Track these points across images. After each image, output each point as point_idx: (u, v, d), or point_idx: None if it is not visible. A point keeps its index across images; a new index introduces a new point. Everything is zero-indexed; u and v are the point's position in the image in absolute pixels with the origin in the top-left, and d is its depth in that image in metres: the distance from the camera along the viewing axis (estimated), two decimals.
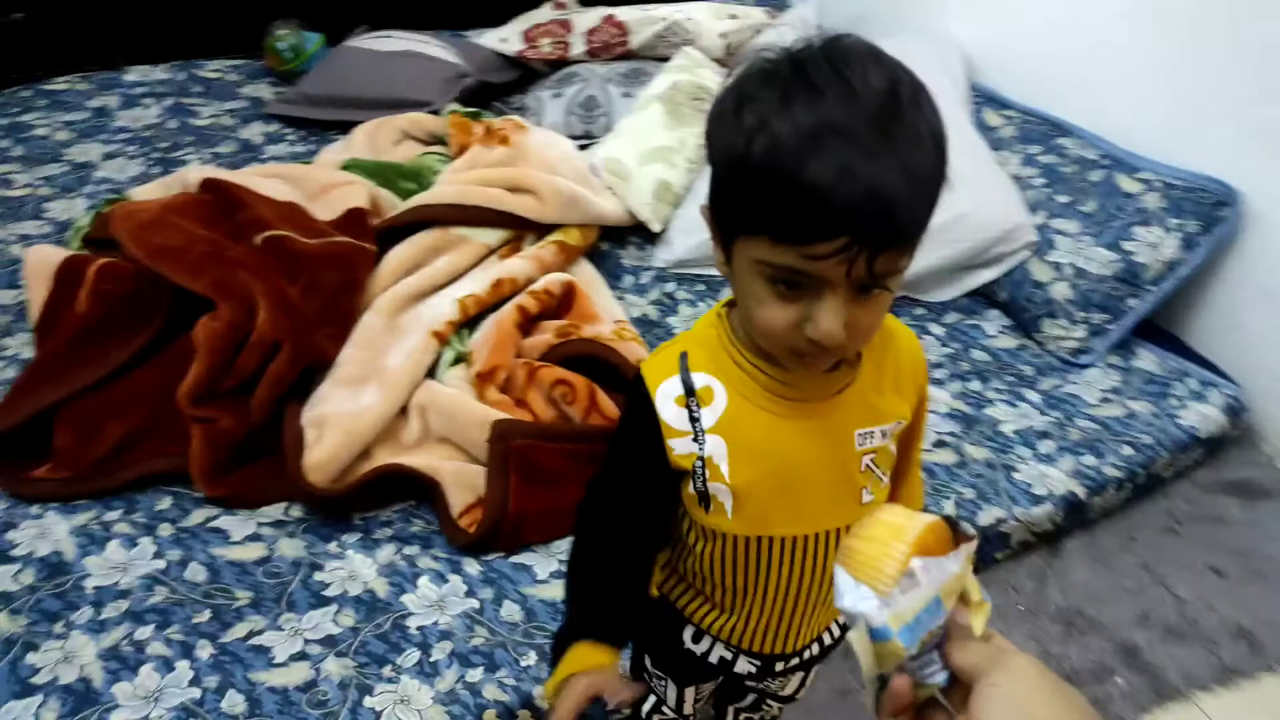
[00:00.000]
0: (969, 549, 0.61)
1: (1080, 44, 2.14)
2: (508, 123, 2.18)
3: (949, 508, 1.60)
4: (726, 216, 0.74)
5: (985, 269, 2.07)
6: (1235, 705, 1.53)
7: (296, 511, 1.51)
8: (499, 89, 2.68)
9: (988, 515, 1.60)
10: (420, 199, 1.99)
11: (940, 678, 0.59)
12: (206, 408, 1.55)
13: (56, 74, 2.61)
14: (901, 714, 0.60)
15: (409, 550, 1.45)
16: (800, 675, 1.11)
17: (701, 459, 0.81)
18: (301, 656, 1.29)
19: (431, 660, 1.30)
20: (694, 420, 0.81)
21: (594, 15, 2.66)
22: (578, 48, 2.61)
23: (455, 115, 2.31)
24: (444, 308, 1.77)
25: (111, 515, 1.47)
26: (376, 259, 1.85)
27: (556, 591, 1.40)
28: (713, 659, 0.99)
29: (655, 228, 2.14)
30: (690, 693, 1.09)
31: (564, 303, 1.85)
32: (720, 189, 0.74)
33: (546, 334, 1.75)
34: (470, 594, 1.40)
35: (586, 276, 1.98)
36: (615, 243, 2.15)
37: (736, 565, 0.88)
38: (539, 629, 1.35)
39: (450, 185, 2.01)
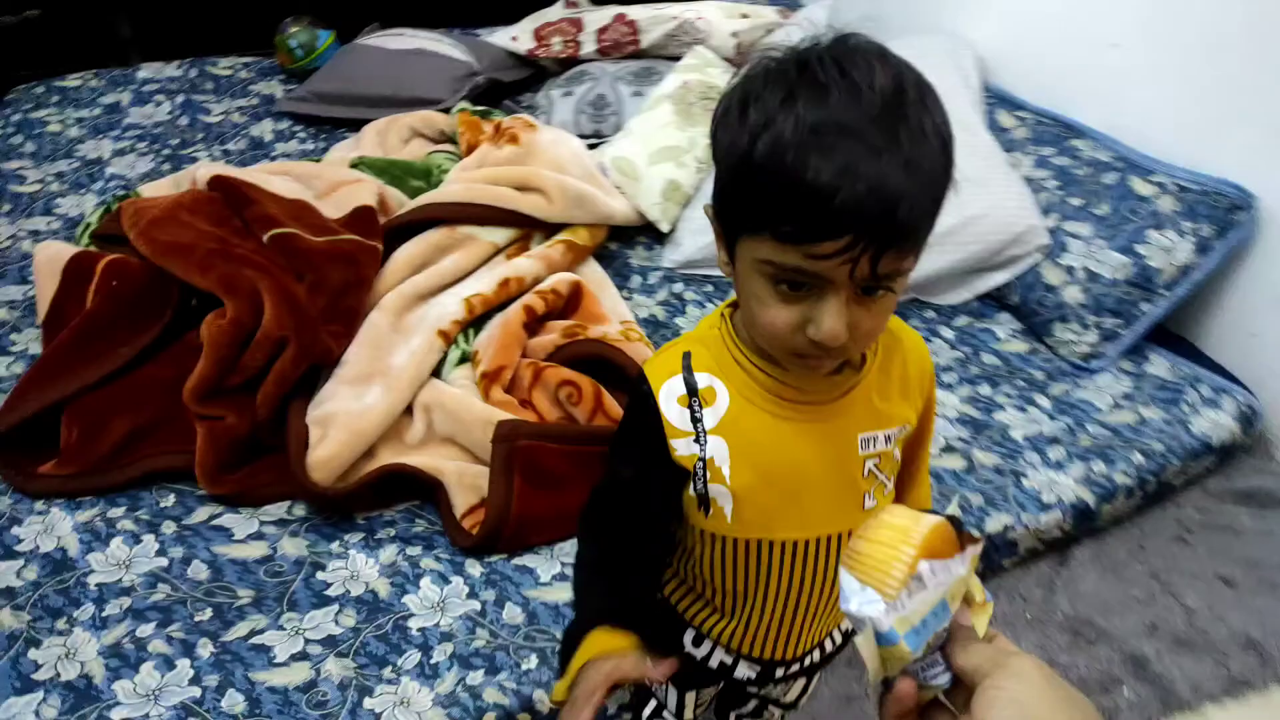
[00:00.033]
0: (975, 551, 0.61)
1: (1095, 45, 2.11)
2: (517, 121, 2.17)
3: (952, 507, 1.58)
4: (730, 215, 0.74)
5: (997, 272, 2.05)
6: (1244, 717, 1.51)
7: (300, 510, 1.51)
8: (510, 87, 2.67)
9: (996, 522, 1.58)
10: (428, 197, 1.98)
11: (943, 679, 0.59)
12: (212, 405, 1.55)
13: (71, 71, 2.62)
14: (905, 717, 0.60)
15: (411, 551, 1.45)
16: (802, 682, 1.10)
17: (703, 460, 0.81)
18: (302, 656, 1.29)
19: (432, 662, 1.29)
20: (696, 421, 0.80)
21: (605, 14, 2.65)
22: (589, 46, 2.61)
23: (465, 113, 2.31)
24: (450, 307, 1.76)
25: (116, 512, 1.47)
26: (384, 257, 1.85)
27: (559, 594, 1.40)
28: (713, 663, 0.98)
29: (664, 228, 2.13)
30: (691, 697, 1.08)
31: (571, 303, 1.84)
32: (724, 187, 0.74)
33: (553, 334, 1.74)
34: (472, 595, 1.39)
35: (594, 276, 1.97)
36: (624, 243, 2.15)
37: (736, 569, 0.87)
38: (541, 632, 1.35)
39: (458, 184, 2.00)
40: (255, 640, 1.30)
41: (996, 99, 2.28)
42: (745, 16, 2.63)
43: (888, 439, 0.85)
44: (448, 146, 2.32)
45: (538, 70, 2.71)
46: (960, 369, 1.90)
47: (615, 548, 0.90)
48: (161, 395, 1.58)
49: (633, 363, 1.65)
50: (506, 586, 1.41)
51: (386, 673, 1.28)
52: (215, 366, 1.55)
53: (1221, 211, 1.87)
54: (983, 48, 2.37)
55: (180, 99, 2.54)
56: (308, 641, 1.31)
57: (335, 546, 1.45)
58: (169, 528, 1.45)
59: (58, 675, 1.24)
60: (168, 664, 1.27)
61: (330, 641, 1.31)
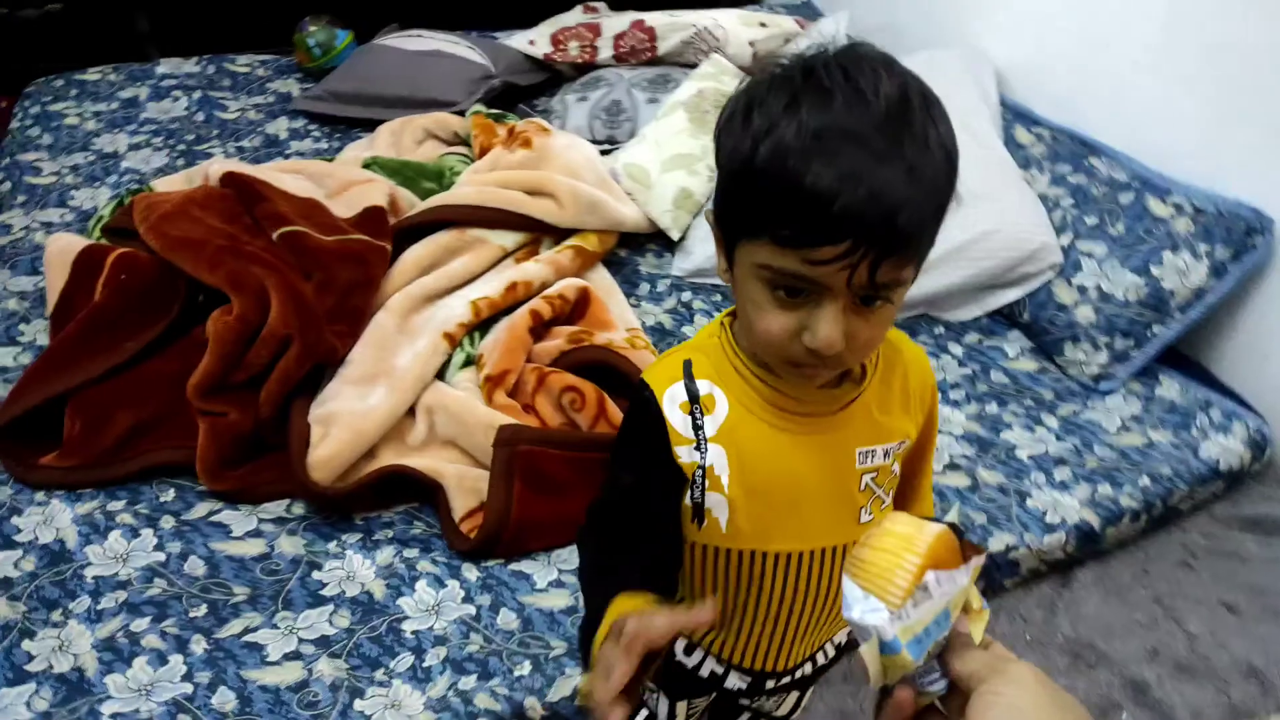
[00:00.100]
0: (978, 562, 0.60)
1: (1115, 63, 2.10)
2: (530, 125, 2.17)
3: (953, 514, 1.57)
4: (730, 219, 0.74)
5: (1008, 289, 2.03)
6: None
7: (298, 509, 1.50)
8: (525, 91, 2.67)
9: (998, 541, 1.57)
10: (439, 199, 1.98)
11: (940, 685, 0.59)
12: (215, 401, 1.55)
13: (90, 65, 2.63)
14: None
15: (409, 553, 1.44)
16: (795, 695, 1.09)
17: (702, 468, 0.80)
18: (295, 656, 1.29)
19: (424, 665, 1.29)
20: (698, 428, 0.80)
21: (623, 20, 2.65)
22: (605, 52, 2.60)
23: (479, 116, 2.31)
24: (457, 309, 1.76)
25: (115, 505, 1.47)
26: (393, 258, 1.85)
27: (555, 600, 1.39)
28: (703, 673, 0.97)
29: (675, 235, 2.12)
30: (682, 707, 1.07)
31: (578, 308, 1.83)
32: (725, 192, 0.74)
33: (558, 339, 1.74)
34: (467, 600, 1.38)
35: (602, 283, 1.96)
36: (633, 249, 2.14)
37: (729, 579, 0.86)
38: (535, 638, 1.34)
39: (469, 186, 2.00)
40: (249, 638, 1.30)
41: (1014, 114, 2.27)
42: (764, 26, 2.63)
43: (886, 453, 0.85)
44: (461, 149, 2.32)
45: (553, 75, 2.71)
46: (968, 386, 1.88)
47: (616, 553, 0.89)
48: (165, 390, 1.58)
49: (637, 370, 1.64)
50: (502, 592, 1.40)
51: (378, 675, 1.27)
52: (220, 363, 1.55)
53: (1238, 235, 1.84)
54: (1001, 62, 2.36)
55: (197, 95, 2.55)
56: (301, 641, 1.31)
57: (333, 546, 1.44)
58: (168, 522, 1.45)
59: (50, 667, 1.24)
60: (160, 659, 1.26)
61: (324, 642, 1.31)
